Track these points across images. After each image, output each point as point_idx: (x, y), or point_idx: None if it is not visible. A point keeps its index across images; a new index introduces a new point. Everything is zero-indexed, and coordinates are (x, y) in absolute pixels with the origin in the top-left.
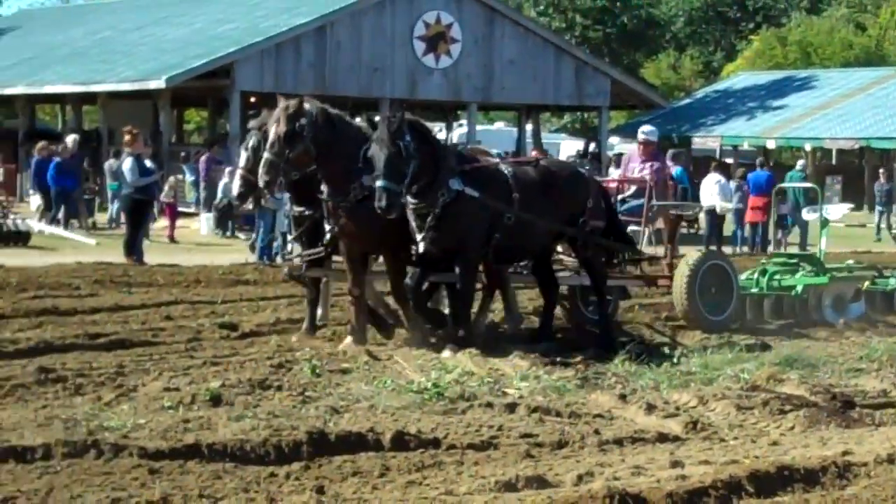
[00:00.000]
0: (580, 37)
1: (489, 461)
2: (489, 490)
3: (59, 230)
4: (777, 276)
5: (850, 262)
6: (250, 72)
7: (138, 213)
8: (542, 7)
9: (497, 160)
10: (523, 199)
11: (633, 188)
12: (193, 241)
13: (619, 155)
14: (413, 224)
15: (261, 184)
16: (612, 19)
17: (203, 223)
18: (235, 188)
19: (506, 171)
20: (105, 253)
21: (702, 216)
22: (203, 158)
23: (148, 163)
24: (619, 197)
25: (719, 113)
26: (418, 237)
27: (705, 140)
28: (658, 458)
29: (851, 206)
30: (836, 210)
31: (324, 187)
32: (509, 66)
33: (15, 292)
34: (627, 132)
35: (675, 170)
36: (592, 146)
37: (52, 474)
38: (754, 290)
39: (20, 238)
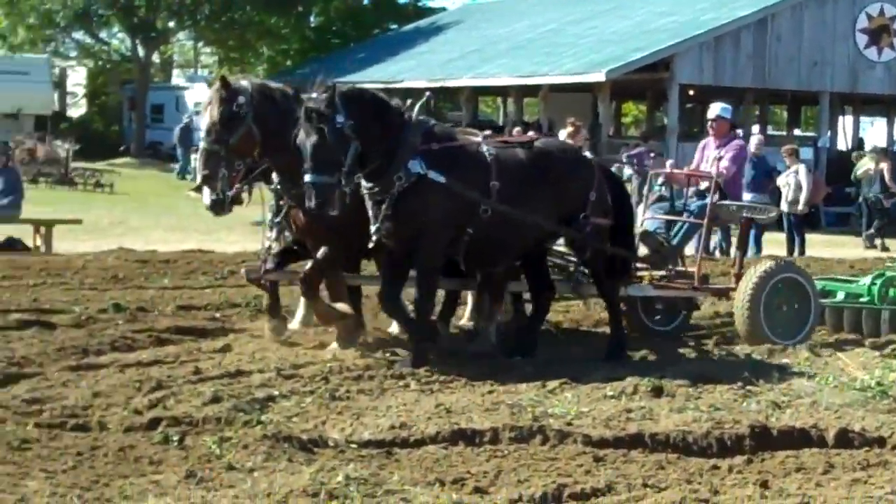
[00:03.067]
0: None
1: None
2: None
3: None
4: (894, 285)
5: None
6: (689, 65)
7: None
8: None
9: (479, 140)
10: (505, 187)
11: (707, 182)
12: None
13: None
14: (370, 212)
15: (198, 179)
16: None
17: None
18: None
19: (486, 154)
20: None
21: None
22: (638, 151)
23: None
24: (690, 191)
25: None
26: (372, 228)
27: None
28: None
29: None
30: None
31: (275, 177)
32: None
33: None
34: None
35: None
36: None
37: (500, 458)
38: (865, 300)
39: None
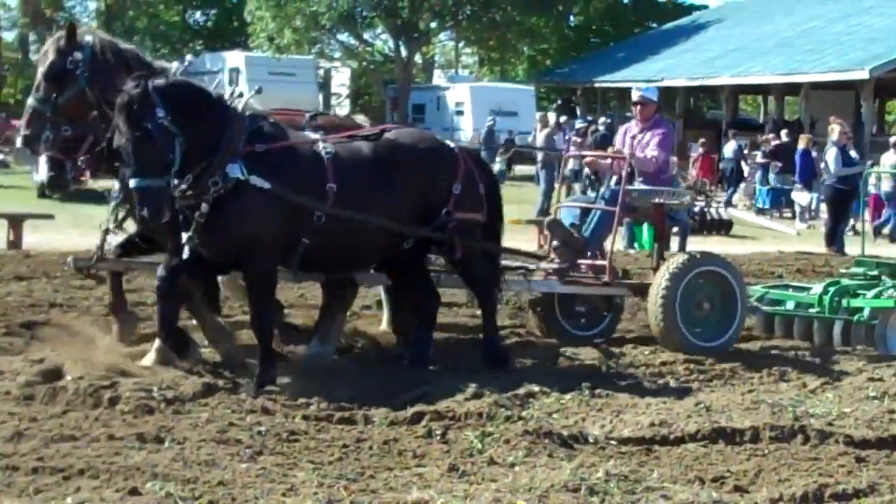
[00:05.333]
0: None
1: None
2: None
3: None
4: (847, 294)
5: None
6: None
7: (841, 203)
8: None
9: (315, 138)
10: (344, 189)
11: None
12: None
13: None
14: (181, 218)
15: (19, 141)
16: None
17: None
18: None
19: (322, 152)
20: (806, 243)
21: None
22: None
23: (852, 153)
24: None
25: None
26: (184, 236)
27: None
28: None
29: None
30: None
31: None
32: None
33: None
34: None
35: None
36: None
37: (760, 456)
38: (813, 311)
39: (722, 226)
